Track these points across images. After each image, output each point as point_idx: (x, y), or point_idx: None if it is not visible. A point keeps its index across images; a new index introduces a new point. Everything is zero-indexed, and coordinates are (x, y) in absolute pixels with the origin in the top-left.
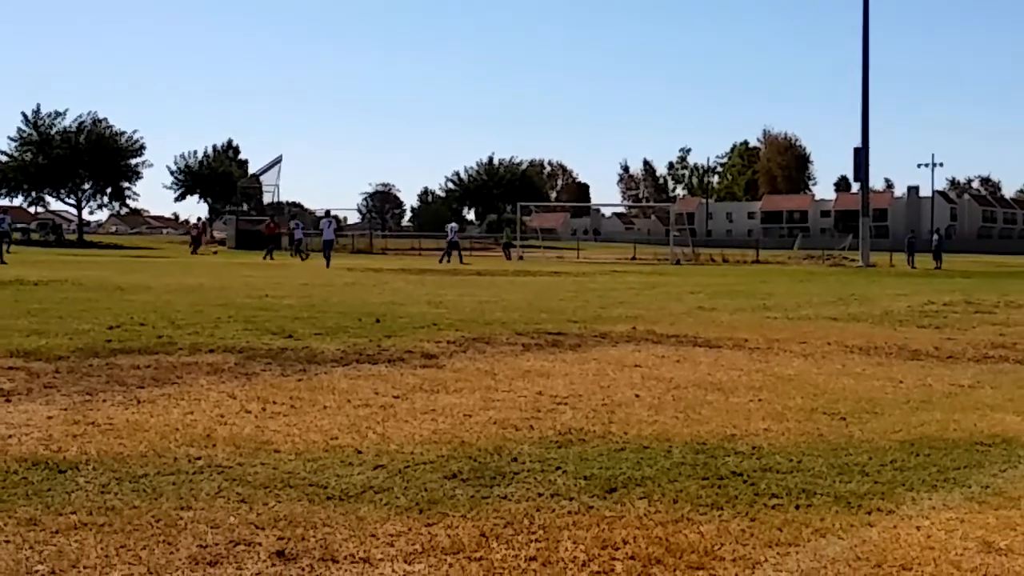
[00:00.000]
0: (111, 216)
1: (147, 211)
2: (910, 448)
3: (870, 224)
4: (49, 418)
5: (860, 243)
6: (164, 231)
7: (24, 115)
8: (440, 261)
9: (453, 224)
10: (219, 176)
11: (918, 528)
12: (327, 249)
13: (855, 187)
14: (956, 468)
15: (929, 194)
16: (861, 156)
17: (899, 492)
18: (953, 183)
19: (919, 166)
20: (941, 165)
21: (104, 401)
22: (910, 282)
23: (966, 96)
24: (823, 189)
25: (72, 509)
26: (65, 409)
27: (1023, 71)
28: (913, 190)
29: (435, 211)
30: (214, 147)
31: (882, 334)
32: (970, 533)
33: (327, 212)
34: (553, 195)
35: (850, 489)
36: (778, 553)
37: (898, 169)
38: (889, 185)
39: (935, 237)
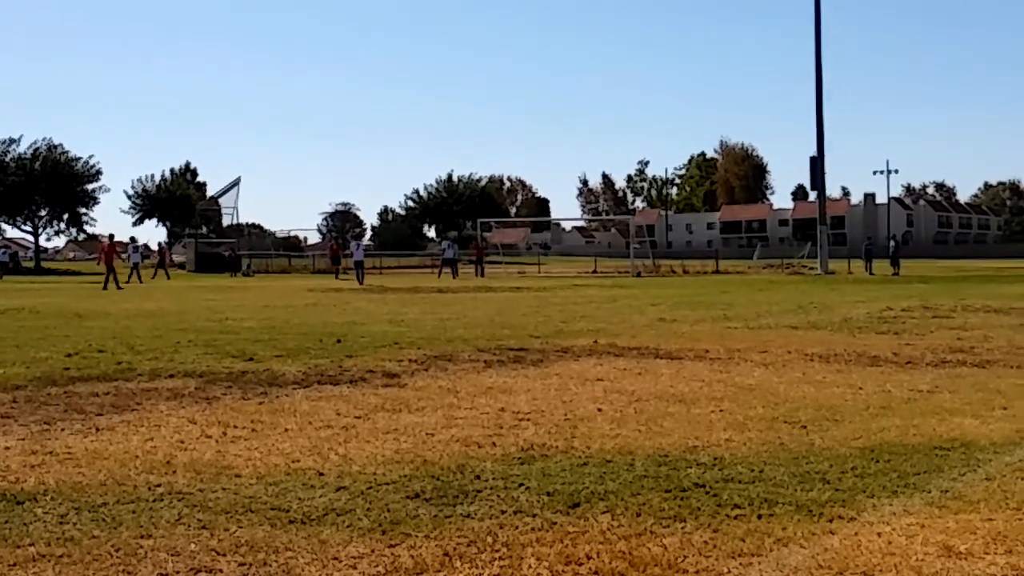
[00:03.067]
0: (68, 242)
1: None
2: (870, 455)
3: (828, 232)
4: (6, 448)
5: (818, 251)
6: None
7: None
8: (452, 276)
9: (448, 239)
10: (177, 199)
11: (879, 534)
12: (359, 269)
13: (812, 196)
14: (916, 473)
15: (885, 201)
16: (817, 165)
17: (860, 499)
18: (909, 189)
19: (875, 173)
20: (896, 172)
21: (62, 430)
22: (868, 289)
23: (920, 103)
24: (781, 198)
25: (30, 541)
26: (22, 439)
27: (977, 77)
28: (869, 197)
29: (395, 229)
30: (171, 170)
31: (841, 341)
32: (931, 538)
33: (359, 235)
34: (513, 211)
35: (812, 497)
36: (741, 564)
37: (854, 177)
38: (846, 193)
39: (892, 243)
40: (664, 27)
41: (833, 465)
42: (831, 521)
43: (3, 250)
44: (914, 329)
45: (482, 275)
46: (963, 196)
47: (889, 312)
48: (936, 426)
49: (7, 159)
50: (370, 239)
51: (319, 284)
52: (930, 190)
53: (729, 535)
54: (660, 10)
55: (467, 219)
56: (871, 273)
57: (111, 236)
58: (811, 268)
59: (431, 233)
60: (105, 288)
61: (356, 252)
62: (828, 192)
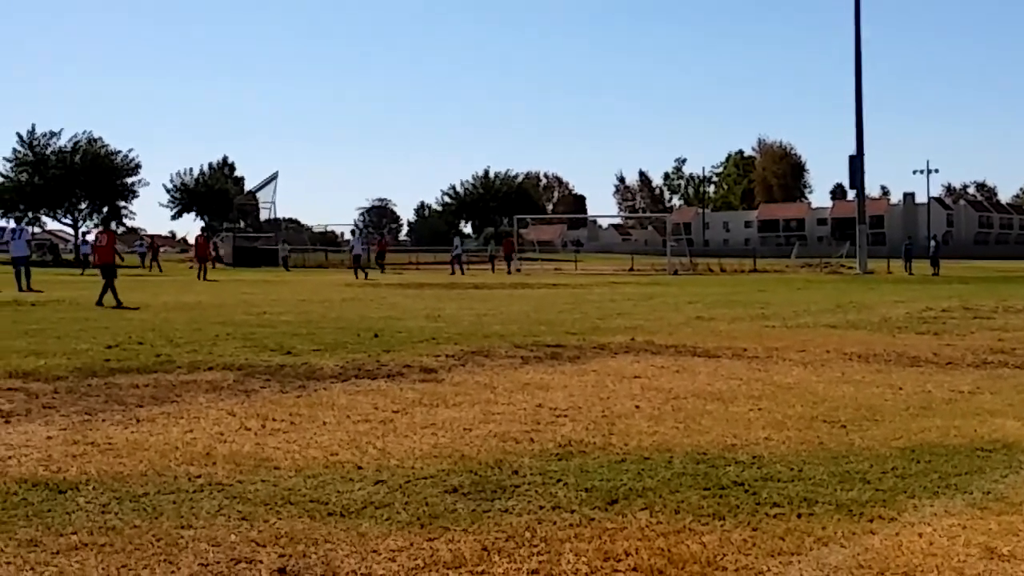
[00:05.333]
0: None
1: (144, 230)
2: (911, 455)
3: (867, 231)
4: (48, 438)
5: (857, 250)
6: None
7: (19, 135)
8: (451, 273)
9: (457, 238)
10: (215, 193)
11: (920, 535)
12: (356, 263)
13: (851, 195)
14: (957, 474)
15: (925, 200)
16: (856, 164)
17: (901, 499)
18: (949, 189)
19: (915, 172)
20: (937, 171)
21: (103, 421)
22: (908, 289)
23: (961, 101)
24: (819, 197)
25: (72, 529)
26: (64, 429)
27: (1019, 76)
28: (909, 196)
29: (432, 225)
30: (210, 164)
31: (881, 341)
32: (972, 539)
33: (458, 232)
34: (550, 207)
35: (852, 497)
36: (780, 563)
37: (894, 176)
38: (885, 192)
39: (932, 243)
40: (703, 24)
41: (873, 465)
42: (871, 521)
43: (139, 243)
44: (954, 330)
45: (511, 272)
46: (1004, 196)
47: (929, 312)
48: (977, 427)
49: (48, 152)
50: (406, 234)
51: (356, 279)
52: (971, 190)
53: (768, 533)
54: (700, 7)
55: (503, 215)
56: (911, 273)
57: (204, 230)
58: (849, 267)
59: (467, 229)
60: (199, 278)
61: (356, 246)
62: (867, 191)
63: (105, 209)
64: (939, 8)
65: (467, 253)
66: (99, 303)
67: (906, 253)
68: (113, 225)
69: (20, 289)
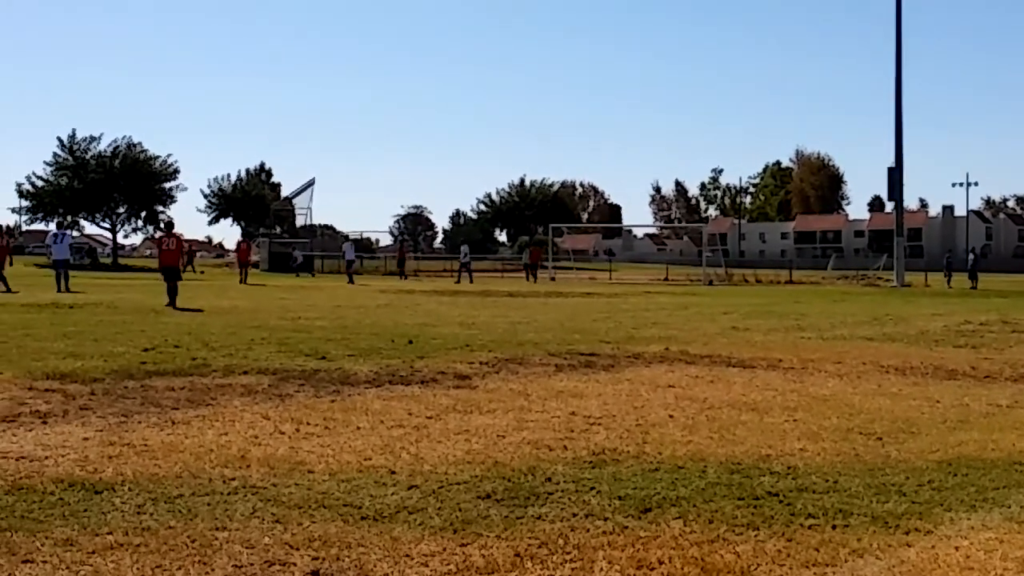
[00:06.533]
0: (145, 239)
1: (181, 234)
2: (948, 468)
3: (904, 244)
4: (85, 439)
5: (895, 263)
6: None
7: (60, 140)
8: (456, 281)
9: (465, 247)
10: (252, 199)
11: (957, 548)
12: (349, 268)
13: (889, 207)
14: (995, 488)
15: (964, 213)
16: (895, 176)
17: (937, 512)
18: (988, 202)
19: (954, 185)
20: (976, 184)
21: (139, 423)
22: (945, 302)
23: (1002, 114)
24: (857, 209)
25: (108, 530)
26: (101, 431)
27: None
28: (948, 209)
29: (467, 233)
30: (247, 170)
31: (918, 354)
32: (1010, 553)
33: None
34: (585, 216)
35: (887, 509)
36: (815, 574)
37: (933, 188)
38: (923, 204)
39: (970, 256)
40: (741, 34)
41: (909, 478)
42: (907, 534)
43: (295, 249)
44: (993, 343)
45: (532, 280)
46: None
47: (967, 326)
48: (1016, 441)
49: (88, 156)
50: (441, 242)
51: (391, 285)
52: (1011, 203)
53: (803, 544)
54: (738, 17)
55: (539, 224)
56: (949, 287)
57: (245, 235)
58: (887, 280)
59: (502, 237)
60: (241, 282)
61: (348, 252)
62: (906, 204)
63: (143, 213)
64: (979, 19)
65: (503, 262)
66: (172, 305)
67: (947, 266)
68: (177, 229)
69: (59, 291)
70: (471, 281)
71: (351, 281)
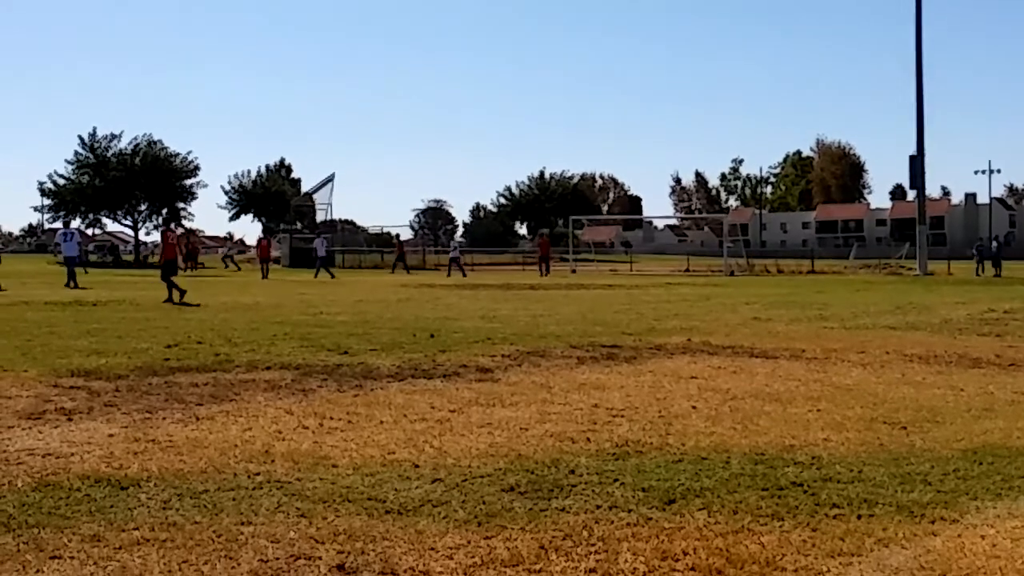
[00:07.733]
0: None
1: (202, 231)
2: (973, 457)
3: (927, 232)
4: (110, 436)
5: (917, 251)
6: (219, 250)
7: (81, 138)
8: (448, 275)
9: (454, 240)
10: (272, 195)
11: (983, 537)
12: (319, 262)
13: (911, 195)
14: (1021, 476)
15: (987, 201)
16: (917, 164)
17: (963, 501)
18: (1011, 189)
19: (976, 173)
20: (999, 171)
21: (164, 419)
22: (969, 290)
23: None
24: (878, 198)
25: (135, 525)
26: (126, 427)
27: None
28: (971, 197)
29: (487, 226)
30: (267, 166)
31: (941, 342)
32: None
33: (320, 231)
34: (605, 208)
35: (912, 498)
36: (840, 563)
37: (955, 176)
38: (946, 192)
39: (994, 244)
40: (760, 23)
41: (934, 466)
42: (933, 523)
43: (322, 241)
44: (1017, 331)
45: (544, 273)
46: None
47: (991, 314)
48: None
49: (109, 154)
50: (462, 235)
51: (411, 280)
52: None
53: (828, 534)
54: (759, 6)
55: (559, 216)
56: (978, 275)
57: (266, 231)
58: (909, 269)
59: (523, 230)
60: (263, 278)
61: (319, 247)
62: (928, 192)
63: (164, 210)
64: (1000, 5)
65: (524, 255)
66: (170, 300)
67: (979, 253)
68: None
69: (66, 286)
70: (463, 275)
71: (317, 276)
